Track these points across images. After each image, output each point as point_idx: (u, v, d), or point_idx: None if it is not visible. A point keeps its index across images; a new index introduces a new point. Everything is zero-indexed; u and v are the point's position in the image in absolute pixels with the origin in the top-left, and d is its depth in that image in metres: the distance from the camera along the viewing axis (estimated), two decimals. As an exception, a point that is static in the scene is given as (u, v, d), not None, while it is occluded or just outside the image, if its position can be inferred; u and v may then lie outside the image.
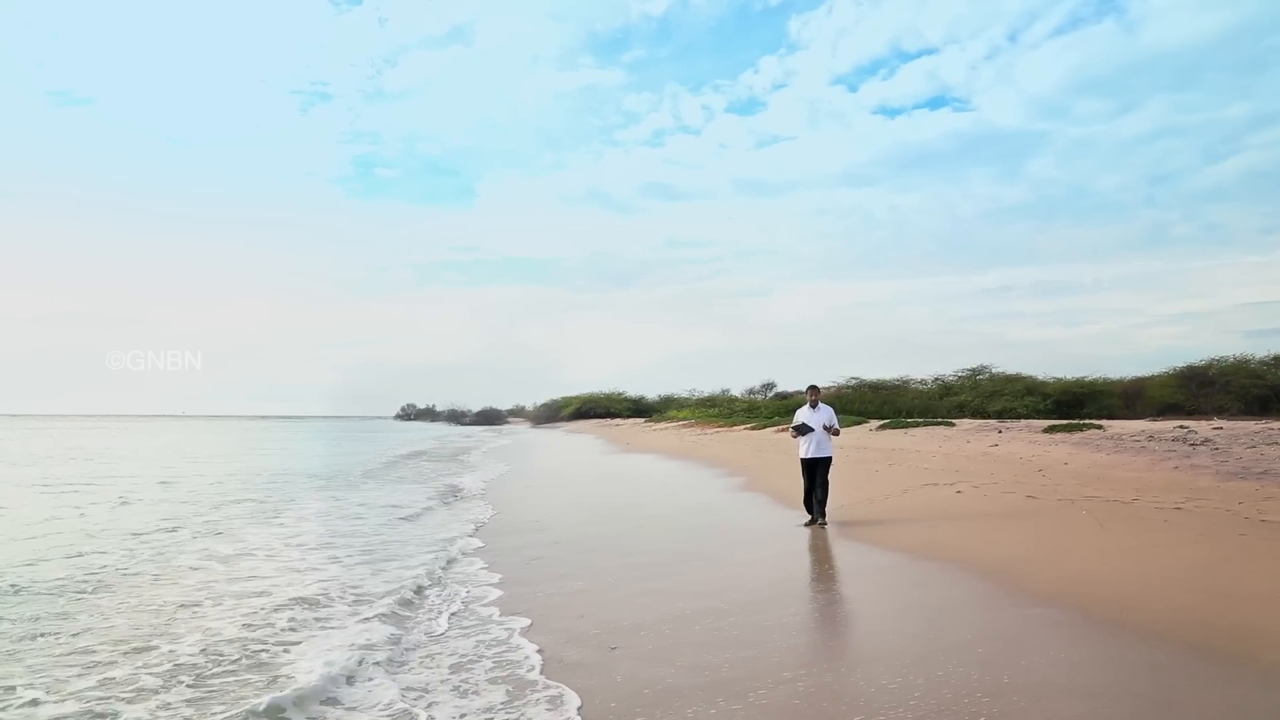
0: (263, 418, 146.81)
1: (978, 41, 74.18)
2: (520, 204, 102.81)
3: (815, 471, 9.08)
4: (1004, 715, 3.39)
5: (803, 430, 9.20)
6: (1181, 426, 13.91)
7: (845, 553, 7.46)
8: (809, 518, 9.09)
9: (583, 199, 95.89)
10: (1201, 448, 11.19)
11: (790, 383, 50.67)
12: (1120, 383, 30.95)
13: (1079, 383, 31.14)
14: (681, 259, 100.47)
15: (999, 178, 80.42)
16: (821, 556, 7.35)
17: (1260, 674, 3.75)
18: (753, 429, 30.27)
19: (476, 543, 8.56)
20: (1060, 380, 31.56)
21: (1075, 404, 29.45)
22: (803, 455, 9.25)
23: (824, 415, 9.21)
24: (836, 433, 9.23)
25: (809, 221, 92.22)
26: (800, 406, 9.61)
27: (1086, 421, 17.24)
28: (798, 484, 9.60)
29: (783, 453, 17.69)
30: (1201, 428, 13.62)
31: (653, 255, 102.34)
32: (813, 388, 9.58)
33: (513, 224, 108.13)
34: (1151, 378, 29.91)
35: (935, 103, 78.49)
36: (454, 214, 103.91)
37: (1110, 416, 24.15)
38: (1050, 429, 15.43)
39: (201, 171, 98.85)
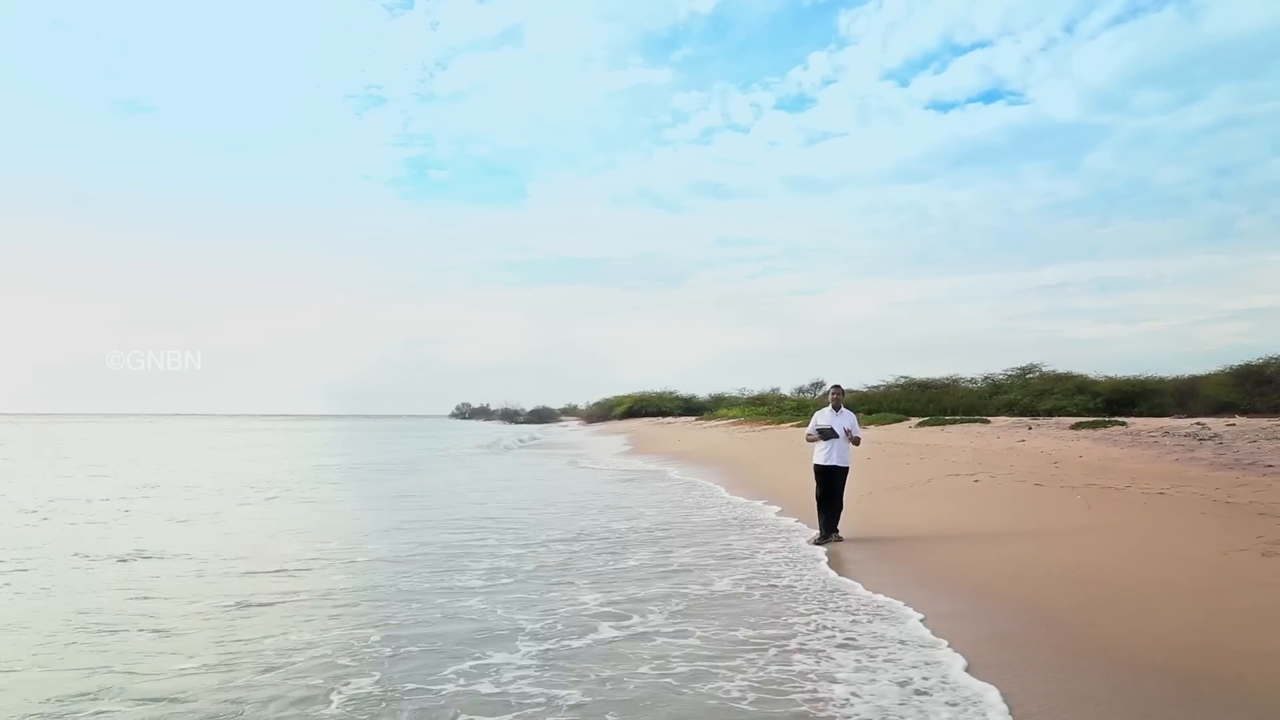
0: (323, 416, 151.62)
1: (1033, 33, 72.90)
2: (571, 204, 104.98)
3: (830, 481, 8.40)
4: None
5: (826, 435, 8.48)
6: (1198, 423, 14.68)
7: (854, 537, 8.92)
8: (816, 534, 8.41)
9: (633, 198, 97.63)
10: (1209, 442, 12.11)
11: (841, 381, 51.17)
12: (1173, 381, 30.67)
13: (1130, 381, 30.90)
14: (731, 258, 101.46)
15: (1056, 172, 78.85)
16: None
17: (1155, 611, 5.17)
18: (799, 426, 31.43)
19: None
20: (1111, 379, 31.40)
21: (1126, 402, 29.15)
22: (818, 462, 8.51)
23: (847, 420, 8.56)
24: (857, 441, 8.62)
25: (861, 219, 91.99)
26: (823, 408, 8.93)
27: (1111, 419, 17.98)
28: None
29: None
30: (1216, 424, 14.38)
31: (703, 254, 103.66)
32: (837, 388, 8.97)
33: (564, 224, 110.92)
34: (1206, 376, 29.37)
35: (989, 96, 77.48)
36: (507, 215, 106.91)
37: (1162, 415, 24.26)
38: (1076, 425, 16.32)
39: (260, 175, 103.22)
